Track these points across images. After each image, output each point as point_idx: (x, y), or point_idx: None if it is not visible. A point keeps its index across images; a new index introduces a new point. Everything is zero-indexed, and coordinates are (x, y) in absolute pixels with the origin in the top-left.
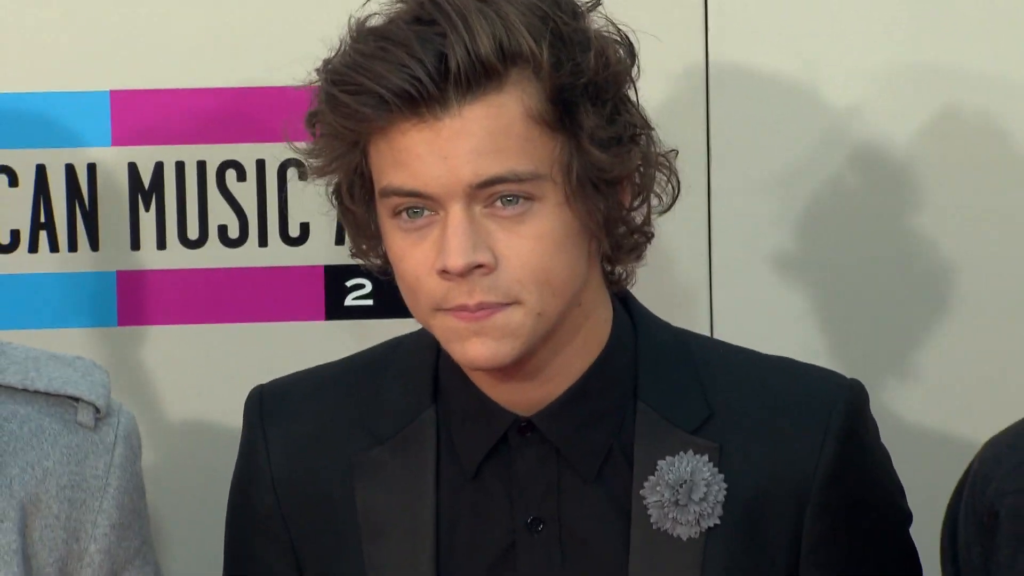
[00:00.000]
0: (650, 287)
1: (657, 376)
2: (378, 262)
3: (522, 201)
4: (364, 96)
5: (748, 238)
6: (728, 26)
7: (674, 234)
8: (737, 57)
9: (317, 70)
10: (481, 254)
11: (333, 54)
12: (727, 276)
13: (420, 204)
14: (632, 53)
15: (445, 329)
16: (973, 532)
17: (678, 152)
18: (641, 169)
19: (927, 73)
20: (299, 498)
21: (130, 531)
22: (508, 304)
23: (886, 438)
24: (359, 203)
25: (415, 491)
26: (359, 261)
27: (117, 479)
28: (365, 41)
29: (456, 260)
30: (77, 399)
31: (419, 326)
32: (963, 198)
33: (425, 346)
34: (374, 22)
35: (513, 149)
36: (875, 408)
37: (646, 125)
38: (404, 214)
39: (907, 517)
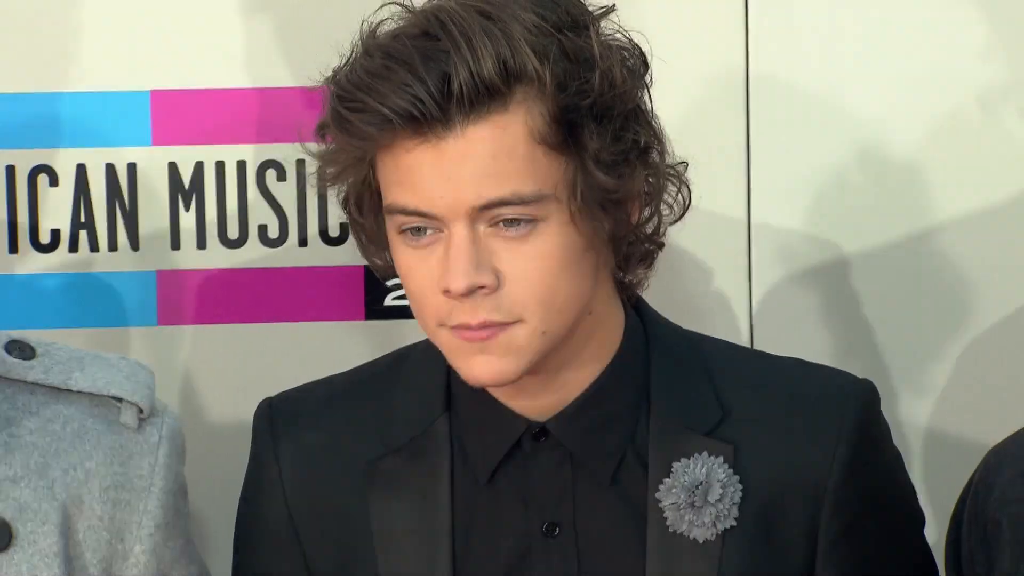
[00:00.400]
0: (690, 291)
1: (669, 379)
2: (389, 270)
3: (525, 222)
4: (367, 115)
5: (788, 241)
6: (768, 31)
7: (714, 237)
8: (777, 62)
9: (327, 79)
10: (483, 275)
11: (343, 62)
12: (767, 279)
13: (424, 223)
14: (645, 62)
15: (450, 345)
16: (976, 541)
17: (687, 164)
18: (650, 180)
19: (967, 80)
20: (312, 509)
21: (175, 531)
22: (512, 323)
23: (918, 444)
24: (368, 214)
25: (429, 499)
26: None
27: (162, 479)
28: (371, 57)
29: (458, 282)
30: (120, 400)
31: None
32: (1002, 204)
33: (436, 354)
34: (388, 26)
35: (517, 170)
36: (912, 413)
37: (656, 137)
38: (409, 232)
39: (921, 518)
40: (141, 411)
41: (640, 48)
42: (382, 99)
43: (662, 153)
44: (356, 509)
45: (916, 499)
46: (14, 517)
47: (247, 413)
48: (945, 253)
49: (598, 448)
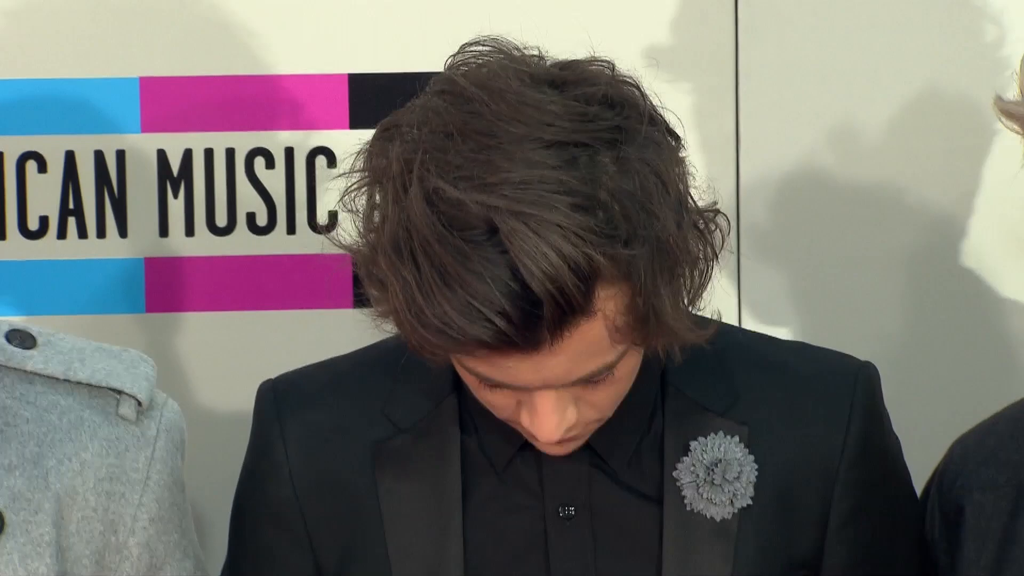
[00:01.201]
0: None
1: (684, 363)
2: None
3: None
4: (446, 339)
5: (776, 234)
6: (758, 21)
7: None
8: (767, 52)
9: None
10: (570, 420)
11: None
12: (755, 272)
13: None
14: (677, 140)
15: (524, 435)
16: (940, 528)
17: (728, 219)
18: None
19: (959, 71)
20: (318, 489)
21: (170, 525)
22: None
23: (903, 435)
24: None
25: (440, 479)
26: None
27: (158, 473)
28: (432, 254)
29: (551, 438)
30: (120, 391)
31: None
32: (999, 190)
33: None
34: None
35: (602, 351)
36: (898, 403)
37: (711, 241)
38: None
39: (920, 504)
40: (140, 403)
41: (677, 137)
42: (461, 332)
43: (719, 233)
44: (364, 490)
45: (912, 486)
46: (7, 506)
47: (235, 401)
48: (933, 243)
49: (613, 431)
